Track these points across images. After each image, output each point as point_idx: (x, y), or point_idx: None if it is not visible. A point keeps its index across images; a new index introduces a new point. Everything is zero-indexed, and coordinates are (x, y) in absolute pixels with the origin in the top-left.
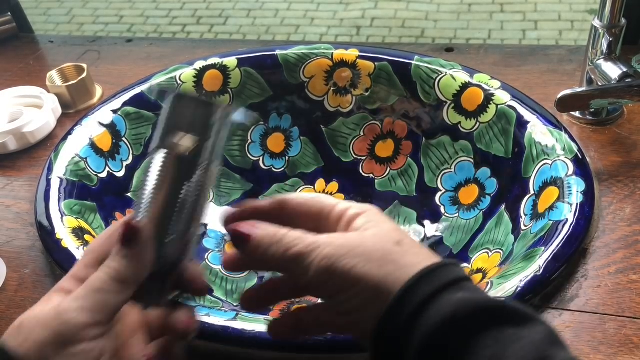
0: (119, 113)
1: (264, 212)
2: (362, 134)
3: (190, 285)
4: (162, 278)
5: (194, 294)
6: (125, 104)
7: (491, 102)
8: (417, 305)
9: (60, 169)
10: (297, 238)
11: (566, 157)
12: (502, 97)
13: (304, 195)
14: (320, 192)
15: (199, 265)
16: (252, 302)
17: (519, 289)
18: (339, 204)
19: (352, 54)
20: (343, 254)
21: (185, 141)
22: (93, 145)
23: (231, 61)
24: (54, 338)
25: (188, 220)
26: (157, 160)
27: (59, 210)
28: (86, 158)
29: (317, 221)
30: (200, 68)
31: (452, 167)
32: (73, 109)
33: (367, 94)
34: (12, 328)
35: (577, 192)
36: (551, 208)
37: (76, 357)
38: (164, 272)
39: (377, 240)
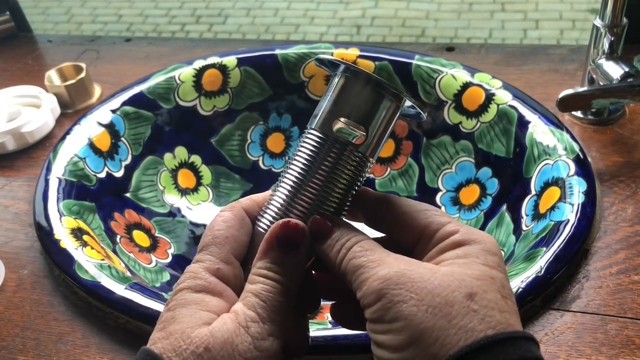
0: (117, 113)
1: (367, 199)
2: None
3: (306, 298)
4: None
5: (306, 306)
6: (124, 103)
7: (492, 102)
8: None
9: (58, 169)
10: (366, 250)
11: (567, 157)
12: (503, 96)
13: (413, 205)
14: None
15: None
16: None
17: (521, 289)
18: (449, 225)
19: (352, 53)
20: (399, 282)
21: (349, 129)
22: (92, 145)
23: (231, 60)
24: None
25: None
26: (313, 142)
27: (58, 210)
28: (85, 158)
29: (419, 236)
30: (199, 67)
31: (453, 167)
32: (72, 109)
33: None
34: (195, 355)
35: (579, 192)
36: (552, 208)
37: None
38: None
39: (448, 282)
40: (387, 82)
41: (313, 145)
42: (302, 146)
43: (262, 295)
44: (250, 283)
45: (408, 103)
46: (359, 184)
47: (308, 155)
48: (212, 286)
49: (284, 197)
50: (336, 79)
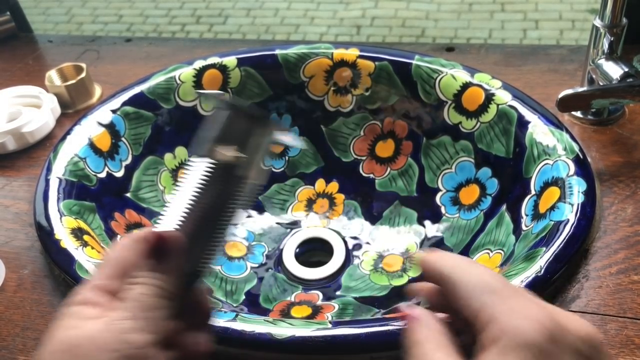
0: (118, 113)
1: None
2: (362, 133)
3: (196, 308)
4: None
5: (198, 318)
6: (124, 103)
7: (492, 102)
8: None
9: (59, 169)
10: (423, 355)
11: (567, 157)
12: (503, 96)
13: (465, 286)
14: (320, 192)
15: (207, 289)
16: None
17: None
18: (480, 313)
19: (352, 53)
20: None
21: (233, 154)
22: (92, 145)
23: (231, 61)
24: None
25: (216, 235)
26: (199, 169)
27: (58, 210)
28: (85, 158)
29: (472, 323)
30: (199, 68)
31: (453, 167)
32: (72, 109)
33: (367, 94)
34: (62, 353)
35: (579, 192)
36: (552, 208)
37: None
38: (189, 280)
39: None
40: (261, 111)
41: (192, 169)
42: (186, 171)
43: (134, 296)
44: (127, 290)
45: (285, 132)
46: (237, 203)
47: (188, 178)
48: (88, 298)
49: (166, 214)
50: (215, 110)
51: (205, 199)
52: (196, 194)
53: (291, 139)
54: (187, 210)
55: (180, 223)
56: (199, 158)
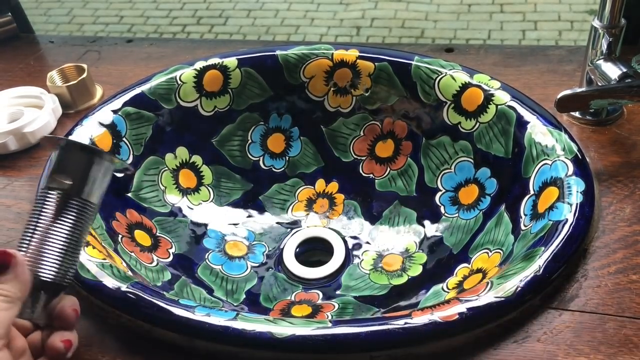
0: (119, 113)
1: None
2: (362, 134)
3: (60, 314)
4: (39, 296)
5: (63, 322)
6: (125, 104)
7: (491, 103)
8: None
9: None
10: None
11: (566, 157)
12: (502, 97)
13: None
14: (320, 192)
15: (72, 297)
16: None
17: (519, 289)
18: None
19: (352, 54)
20: None
21: (67, 182)
22: (93, 146)
23: (231, 61)
24: None
25: (65, 250)
26: (42, 197)
27: None
28: None
29: None
30: (200, 68)
31: (452, 167)
32: (73, 109)
33: (367, 94)
34: None
35: (577, 192)
36: (551, 208)
37: None
38: (44, 291)
39: None
40: (83, 144)
41: (38, 198)
42: (35, 201)
43: None
44: None
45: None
46: (76, 221)
47: (36, 206)
48: None
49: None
50: (56, 149)
51: (46, 221)
52: (40, 217)
53: (123, 164)
54: (32, 232)
55: (25, 242)
56: (43, 189)
